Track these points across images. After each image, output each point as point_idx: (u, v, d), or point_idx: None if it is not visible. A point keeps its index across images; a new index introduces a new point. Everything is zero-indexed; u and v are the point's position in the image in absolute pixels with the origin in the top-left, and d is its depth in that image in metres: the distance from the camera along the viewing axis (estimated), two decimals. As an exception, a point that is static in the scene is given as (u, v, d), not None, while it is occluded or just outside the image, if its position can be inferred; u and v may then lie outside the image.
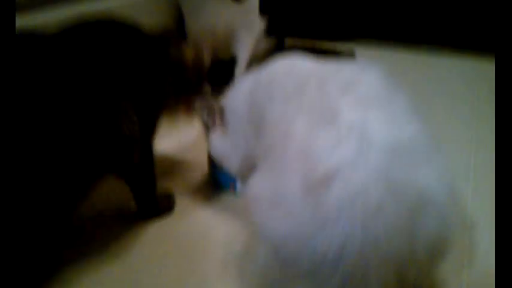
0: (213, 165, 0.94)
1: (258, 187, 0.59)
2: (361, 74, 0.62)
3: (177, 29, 1.38)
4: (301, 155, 0.55)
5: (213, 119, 0.88)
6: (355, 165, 0.51)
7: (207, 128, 0.90)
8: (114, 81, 0.71)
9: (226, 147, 0.86)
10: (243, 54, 1.31)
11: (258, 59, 1.39)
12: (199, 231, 0.81)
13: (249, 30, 1.29)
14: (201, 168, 0.99)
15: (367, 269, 0.49)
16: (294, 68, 0.73)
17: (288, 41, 1.56)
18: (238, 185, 0.92)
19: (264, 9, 1.30)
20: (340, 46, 1.65)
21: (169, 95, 0.85)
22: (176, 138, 1.14)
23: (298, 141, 0.57)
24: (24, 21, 0.94)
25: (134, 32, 0.81)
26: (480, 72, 1.56)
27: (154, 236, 0.80)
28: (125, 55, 0.75)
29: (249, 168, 0.86)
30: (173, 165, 1.02)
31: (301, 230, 0.51)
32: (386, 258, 0.49)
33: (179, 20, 1.35)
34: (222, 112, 0.87)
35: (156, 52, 0.83)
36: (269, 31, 1.38)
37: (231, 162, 0.86)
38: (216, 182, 0.95)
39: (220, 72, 1.34)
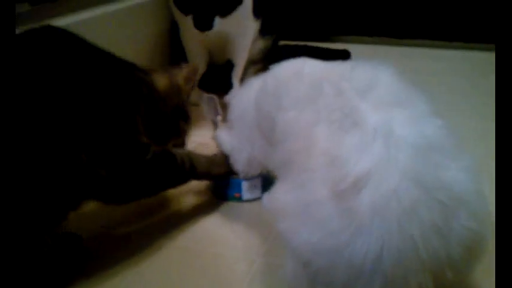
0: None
1: (283, 199, 0.57)
2: (377, 74, 0.61)
3: (172, 36, 1.36)
4: (326, 163, 0.54)
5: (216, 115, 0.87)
6: (384, 167, 0.49)
7: (214, 124, 0.88)
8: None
9: (233, 143, 0.85)
10: (240, 59, 1.29)
11: (254, 60, 1.37)
12: (216, 244, 0.79)
13: (244, 34, 1.26)
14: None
15: (407, 275, 0.47)
16: (303, 71, 0.71)
17: (282, 42, 1.54)
18: (244, 193, 0.90)
19: (257, 12, 1.28)
20: (333, 45, 1.64)
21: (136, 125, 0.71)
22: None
23: (321, 149, 0.56)
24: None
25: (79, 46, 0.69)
26: (474, 63, 1.58)
27: (169, 251, 0.77)
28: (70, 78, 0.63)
29: (255, 168, 0.84)
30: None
31: (334, 240, 0.49)
32: (424, 261, 0.47)
33: (174, 26, 1.32)
34: (226, 108, 0.85)
35: (114, 73, 0.70)
36: (263, 32, 1.36)
37: (237, 160, 0.85)
38: (219, 192, 0.92)
39: (216, 76, 1.32)
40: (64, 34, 0.68)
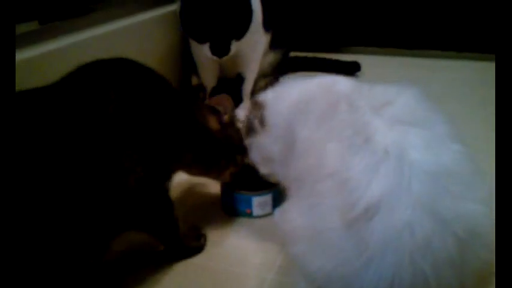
0: (227, 190, 0.92)
1: (295, 222, 0.57)
2: (396, 94, 0.59)
3: (183, 52, 1.36)
4: (336, 187, 0.53)
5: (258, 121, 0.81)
6: (396, 195, 0.49)
7: (251, 130, 0.83)
8: (121, 129, 0.65)
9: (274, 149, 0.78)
10: (250, 73, 1.29)
11: (264, 73, 1.38)
12: (227, 260, 0.79)
13: (254, 49, 1.26)
14: (213, 195, 0.97)
15: (418, 307, 0.47)
16: (331, 88, 0.70)
17: (292, 54, 1.54)
18: (255, 209, 0.90)
19: (267, 25, 1.28)
20: (343, 56, 1.64)
21: (186, 151, 0.78)
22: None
23: (330, 169, 0.55)
24: (25, 54, 0.92)
25: (152, 78, 0.75)
26: (479, 72, 1.57)
27: (181, 268, 0.77)
28: (137, 102, 0.69)
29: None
30: (185, 195, 1.00)
31: (346, 267, 0.49)
32: (437, 294, 0.47)
33: (185, 41, 1.33)
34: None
35: (176, 105, 0.77)
36: (273, 45, 1.36)
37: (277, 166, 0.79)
38: (230, 208, 0.92)
39: (227, 90, 1.32)
40: (135, 65, 0.75)
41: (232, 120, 0.85)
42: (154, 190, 0.71)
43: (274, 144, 0.76)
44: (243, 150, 0.85)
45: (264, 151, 0.79)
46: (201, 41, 1.13)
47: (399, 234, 0.47)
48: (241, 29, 1.14)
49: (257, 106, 0.80)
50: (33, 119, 0.59)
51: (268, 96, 0.80)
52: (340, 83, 0.70)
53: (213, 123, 0.82)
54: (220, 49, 1.12)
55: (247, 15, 1.15)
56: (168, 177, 0.76)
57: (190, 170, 0.84)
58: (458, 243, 0.47)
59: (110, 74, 0.69)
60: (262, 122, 0.78)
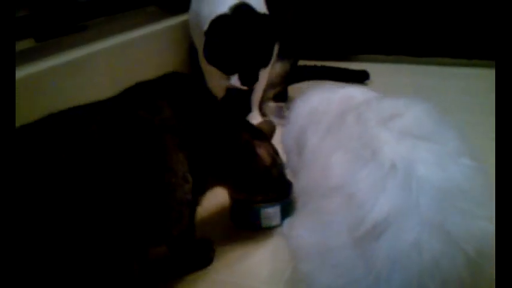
0: (237, 203, 0.92)
1: (303, 238, 0.57)
2: (405, 106, 0.58)
3: (190, 61, 1.37)
4: (344, 202, 0.53)
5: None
6: (404, 212, 0.48)
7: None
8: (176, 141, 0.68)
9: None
10: (259, 84, 1.29)
11: (273, 84, 1.37)
12: (236, 273, 0.79)
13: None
14: (222, 206, 0.96)
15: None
16: (347, 100, 0.70)
17: (301, 63, 1.54)
18: (263, 221, 0.89)
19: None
20: (351, 65, 1.64)
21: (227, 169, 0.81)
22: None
23: (338, 183, 0.54)
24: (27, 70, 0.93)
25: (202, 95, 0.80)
26: (490, 80, 1.54)
27: (190, 281, 0.77)
28: (188, 113, 0.73)
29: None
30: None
31: (354, 287, 0.49)
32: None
33: (192, 52, 1.34)
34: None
35: (224, 124, 0.80)
36: (281, 56, 1.36)
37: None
38: (239, 220, 0.92)
39: (237, 100, 1.33)
40: (188, 78, 0.80)
41: (275, 160, 0.85)
42: (191, 202, 0.72)
43: (289, 143, 0.79)
44: (278, 189, 0.87)
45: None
46: (230, 73, 1.13)
47: (407, 253, 0.46)
48: (269, 57, 1.16)
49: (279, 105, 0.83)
50: (83, 133, 0.60)
51: (298, 99, 0.83)
52: (354, 94, 0.71)
53: (264, 157, 0.83)
54: (250, 79, 1.13)
55: (274, 43, 1.16)
56: (203, 191, 0.78)
57: (221, 185, 0.85)
58: (467, 263, 0.46)
59: (163, 86, 0.74)
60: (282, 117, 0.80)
